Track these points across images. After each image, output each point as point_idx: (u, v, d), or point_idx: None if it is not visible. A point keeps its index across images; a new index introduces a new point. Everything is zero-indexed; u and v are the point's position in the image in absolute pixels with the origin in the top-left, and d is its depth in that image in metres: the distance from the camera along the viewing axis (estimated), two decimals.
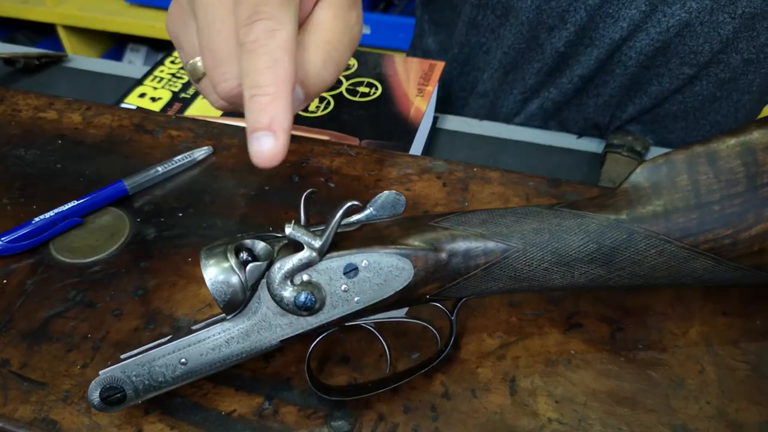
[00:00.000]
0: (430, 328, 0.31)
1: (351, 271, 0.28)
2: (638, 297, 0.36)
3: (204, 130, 0.48)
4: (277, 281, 0.28)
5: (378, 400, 0.32)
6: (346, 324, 0.30)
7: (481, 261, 0.29)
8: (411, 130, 0.51)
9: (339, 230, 0.29)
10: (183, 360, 0.29)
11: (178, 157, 0.44)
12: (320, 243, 0.27)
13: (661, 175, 0.29)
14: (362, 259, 0.28)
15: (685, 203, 0.29)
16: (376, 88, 0.55)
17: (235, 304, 0.28)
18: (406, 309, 0.30)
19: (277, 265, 0.27)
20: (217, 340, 0.29)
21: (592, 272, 0.29)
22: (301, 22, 0.31)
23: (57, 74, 0.62)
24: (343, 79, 0.56)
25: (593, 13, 0.53)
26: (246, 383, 0.32)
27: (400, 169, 0.44)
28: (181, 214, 0.41)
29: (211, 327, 0.29)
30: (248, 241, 0.29)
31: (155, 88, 0.57)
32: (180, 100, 0.55)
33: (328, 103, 0.54)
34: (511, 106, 0.62)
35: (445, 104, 0.67)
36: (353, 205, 0.27)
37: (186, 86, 0.57)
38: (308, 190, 0.30)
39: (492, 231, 0.29)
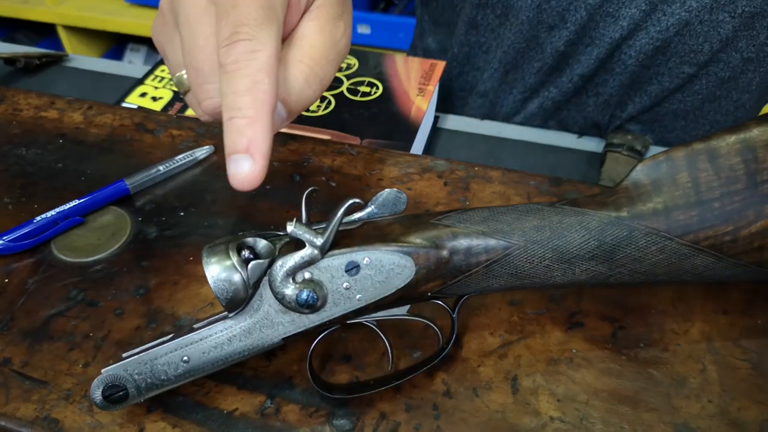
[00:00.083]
0: (432, 325, 0.31)
1: (353, 268, 0.28)
2: (639, 296, 0.36)
3: (205, 130, 0.48)
4: (279, 279, 0.28)
5: (380, 399, 0.32)
6: (348, 322, 0.30)
7: (483, 258, 0.29)
8: (412, 129, 0.51)
9: (340, 228, 0.29)
10: (185, 358, 0.29)
11: (180, 156, 0.44)
12: (322, 241, 0.27)
13: (661, 173, 0.29)
14: (364, 256, 0.28)
15: (686, 200, 0.29)
16: (377, 88, 0.55)
17: (237, 302, 0.28)
18: (407, 306, 0.31)
19: (279, 262, 0.27)
20: (219, 338, 0.29)
21: (593, 269, 0.29)
22: (286, 36, 0.31)
23: (57, 74, 0.62)
24: (344, 79, 0.56)
25: (593, 12, 0.53)
26: (248, 382, 0.32)
27: (401, 169, 0.44)
28: (182, 214, 0.41)
29: (213, 325, 0.29)
30: (250, 239, 0.29)
31: (156, 88, 0.57)
32: (181, 100, 0.55)
33: (329, 102, 0.54)
34: (511, 105, 0.62)
35: (445, 104, 0.67)
36: (354, 202, 0.27)
37: None
38: (309, 189, 0.30)
39: (493, 228, 0.29)
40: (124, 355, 0.29)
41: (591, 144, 0.56)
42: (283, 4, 0.29)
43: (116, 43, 1.84)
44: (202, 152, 0.45)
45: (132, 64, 0.64)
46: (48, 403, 0.31)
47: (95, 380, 0.28)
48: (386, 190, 0.30)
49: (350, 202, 0.27)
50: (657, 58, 0.54)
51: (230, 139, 0.26)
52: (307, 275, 0.28)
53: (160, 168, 0.43)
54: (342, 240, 0.28)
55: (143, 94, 0.56)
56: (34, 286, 0.37)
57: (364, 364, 0.33)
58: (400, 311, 0.30)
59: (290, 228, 0.27)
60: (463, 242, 0.29)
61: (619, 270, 0.29)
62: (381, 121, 0.52)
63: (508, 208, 0.30)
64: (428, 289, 0.29)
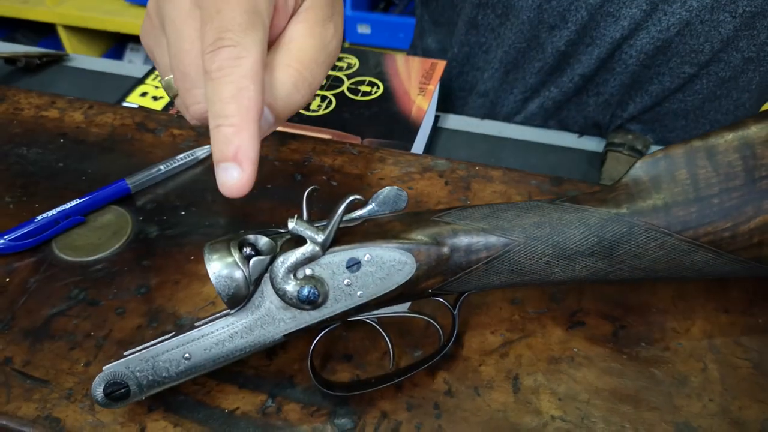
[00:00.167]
0: (433, 323, 0.31)
1: (354, 265, 0.28)
2: (640, 294, 0.36)
3: (206, 129, 0.47)
4: (280, 275, 0.28)
5: (381, 398, 0.32)
6: (349, 319, 0.30)
7: (483, 255, 0.29)
8: (412, 128, 0.51)
9: (341, 226, 0.29)
10: (186, 355, 0.29)
11: (180, 155, 0.44)
12: (323, 237, 0.27)
13: (660, 170, 0.30)
14: (365, 253, 0.28)
15: (685, 197, 0.29)
16: (378, 87, 0.55)
17: (238, 299, 0.28)
18: (408, 304, 0.31)
19: (280, 259, 0.28)
20: (220, 334, 0.29)
21: (593, 265, 0.29)
22: (274, 39, 0.30)
23: (58, 73, 0.62)
24: (345, 78, 0.56)
25: (594, 12, 0.53)
26: (249, 381, 0.32)
27: (402, 168, 0.44)
28: (183, 213, 0.41)
29: (214, 322, 0.29)
30: (251, 236, 0.29)
31: (157, 87, 0.57)
32: None
33: (330, 102, 0.54)
34: (512, 105, 0.62)
35: (445, 104, 0.67)
36: (355, 199, 0.27)
37: None
38: (310, 187, 0.30)
39: (493, 225, 0.29)
40: (125, 353, 0.29)
41: (592, 143, 0.56)
42: (268, 7, 0.28)
43: (116, 43, 1.84)
44: (202, 151, 0.45)
45: (132, 64, 0.64)
46: (49, 403, 0.31)
47: (97, 377, 0.28)
48: (387, 187, 0.30)
49: (351, 198, 0.27)
50: (658, 58, 0.54)
51: (218, 148, 0.26)
52: (308, 272, 0.28)
53: (161, 167, 0.43)
54: (343, 237, 0.28)
55: (144, 94, 0.56)
56: (35, 286, 0.37)
57: (365, 363, 0.33)
58: (401, 308, 0.30)
59: (291, 225, 0.27)
60: (463, 239, 0.29)
61: (619, 266, 0.30)
62: (382, 121, 0.52)
63: (508, 205, 0.30)
64: (429, 285, 0.29)
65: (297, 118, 0.52)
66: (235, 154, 0.26)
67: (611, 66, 0.56)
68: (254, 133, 0.26)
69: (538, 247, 0.29)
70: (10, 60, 0.60)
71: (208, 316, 0.30)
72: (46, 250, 0.39)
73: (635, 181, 0.30)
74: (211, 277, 0.27)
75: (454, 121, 0.58)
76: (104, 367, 0.28)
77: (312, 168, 0.44)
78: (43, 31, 1.79)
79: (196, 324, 0.29)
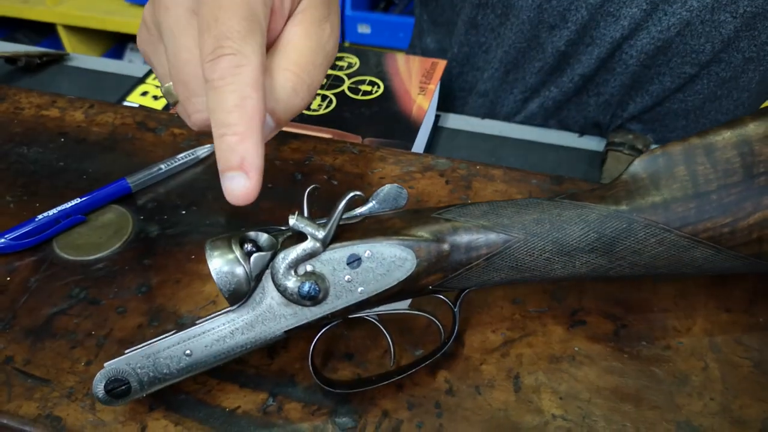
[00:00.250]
0: (433, 319, 0.31)
1: (354, 261, 0.28)
2: (641, 293, 0.36)
3: (207, 132, 0.48)
4: (281, 271, 0.28)
5: (382, 397, 0.32)
6: (350, 316, 0.30)
7: (483, 251, 0.29)
8: (413, 128, 0.51)
9: (342, 223, 0.29)
10: (187, 351, 0.29)
11: (181, 155, 0.44)
12: (323, 234, 0.27)
13: (658, 166, 0.30)
14: (365, 249, 0.28)
15: (683, 193, 0.29)
16: (378, 87, 0.55)
17: (239, 295, 0.28)
18: (409, 301, 0.31)
19: (281, 255, 0.28)
20: (221, 331, 0.29)
21: (593, 262, 0.29)
22: (271, 43, 0.30)
23: (58, 73, 0.62)
24: (346, 78, 0.56)
25: (594, 11, 0.53)
26: (250, 380, 0.32)
27: (402, 167, 0.44)
28: (184, 212, 0.41)
29: (215, 318, 0.29)
30: (252, 233, 0.29)
31: (157, 86, 0.57)
32: None
33: (331, 101, 0.54)
34: (512, 105, 0.62)
35: (445, 104, 0.67)
36: (356, 195, 0.28)
37: None
38: (311, 186, 0.30)
39: (493, 222, 0.29)
40: (126, 351, 0.29)
41: (592, 143, 0.56)
42: (265, 12, 0.28)
43: (116, 43, 1.84)
44: (203, 151, 0.45)
45: (132, 64, 0.64)
46: (50, 401, 0.31)
47: (98, 374, 0.28)
48: (387, 185, 0.30)
49: (351, 194, 0.28)
50: (658, 58, 0.54)
51: (223, 157, 0.26)
52: (309, 268, 0.28)
53: (162, 166, 0.43)
54: (343, 233, 0.29)
55: (144, 93, 0.56)
56: (36, 285, 0.37)
57: (366, 361, 0.33)
58: (402, 305, 0.30)
59: (292, 221, 0.27)
60: (463, 235, 0.29)
61: (619, 263, 0.30)
62: (382, 120, 0.52)
63: (508, 202, 0.30)
64: (429, 282, 0.29)
65: (298, 118, 0.52)
66: (241, 162, 0.26)
67: (611, 66, 0.56)
68: (259, 141, 0.26)
69: (538, 244, 0.29)
70: (11, 59, 0.60)
71: (209, 315, 0.30)
72: (46, 249, 0.39)
73: (634, 178, 0.30)
74: (213, 273, 0.27)
75: (455, 121, 0.58)
76: (105, 364, 0.28)
77: (313, 167, 0.44)
78: (43, 31, 1.79)
79: (197, 321, 0.29)
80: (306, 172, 0.44)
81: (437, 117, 0.58)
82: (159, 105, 0.55)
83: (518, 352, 0.33)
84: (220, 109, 0.26)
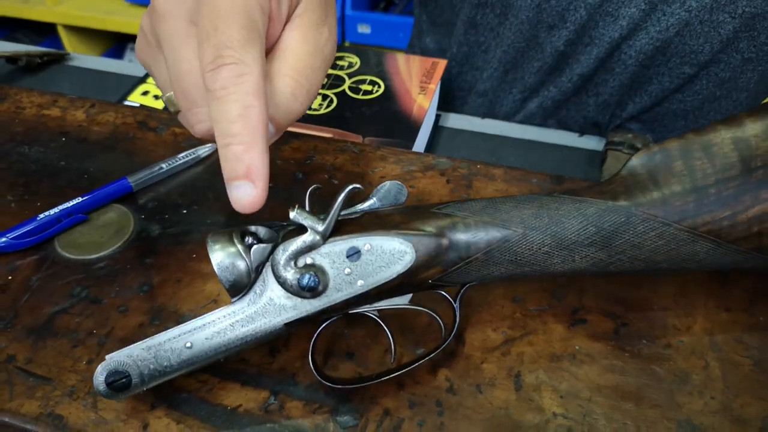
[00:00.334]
0: (433, 314, 0.31)
1: (354, 254, 0.28)
2: (642, 292, 0.36)
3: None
4: (281, 263, 0.28)
5: (383, 395, 0.32)
6: (351, 311, 0.30)
7: (482, 245, 0.29)
8: (414, 127, 0.51)
9: (342, 218, 0.30)
10: (188, 344, 0.29)
11: (182, 154, 0.44)
12: (323, 226, 0.28)
13: (656, 162, 0.30)
14: (365, 242, 0.28)
15: (682, 187, 0.29)
16: (379, 86, 0.55)
17: (240, 287, 0.28)
18: (409, 296, 0.31)
19: (281, 247, 0.28)
20: (222, 323, 0.29)
21: (593, 256, 0.30)
22: (269, 48, 0.30)
23: (59, 72, 0.62)
24: (346, 77, 0.56)
25: (593, 11, 0.53)
26: (252, 378, 0.32)
27: (403, 166, 0.44)
28: (185, 211, 0.42)
29: (216, 310, 0.29)
30: (253, 227, 0.29)
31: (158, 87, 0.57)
32: None
33: (331, 101, 0.54)
34: (511, 105, 0.63)
35: (444, 104, 0.67)
36: (355, 188, 0.28)
37: None
38: (313, 186, 0.30)
39: (492, 216, 0.30)
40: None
41: (592, 142, 0.56)
42: (263, 19, 0.28)
43: (116, 43, 1.84)
44: (204, 150, 0.45)
45: (133, 63, 0.64)
46: (52, 400, 0.31)
47: (99, 366, 0.28)
48: (387, 182, 0.30)
49: (350, 187, 0.28)
50: (657, 58, 0.54)
51: (228, 166, 0.26)
52: (309, 260, 0.28)
53: (163, 166, 0.43)
54: (343, 227, 0.29)
55: (145, 93, 0.56)
56: (37, 284, 0.37)
57: (367, 360, 0.33)
58: (402, 301, 0.31)
59: (292, 214, 0.28)
60: (462, 229, 0.29)
61: (619, 257, 0.30)
62: (383, 120, 0.52)
63: (507, 197, 0.31)
64: (429, 276, 0.29)
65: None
66: (247, 171, 0.26)
67: (610, 66, 0.56)
68: (264, 149, 0.26)
69: (537, 237, 0.29)
70: (12, 59, 0.60)
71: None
72: (48, 249, 0.39)
73: (632, 174, 0.30)
74: (214, 265, 0.27)
75: (455, 120, 0.58)
76: (107, 356, 0.29)
77: (313, 166, 0.44)
78: (43, 31, 1.79)
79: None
80: (307, 171, 0.44)
81: (437, 116, 0.58)
82: (160, 104, 0.55)
83: (519, 351, 0.33)
84: (224, 119, 0.26)
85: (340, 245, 0.28)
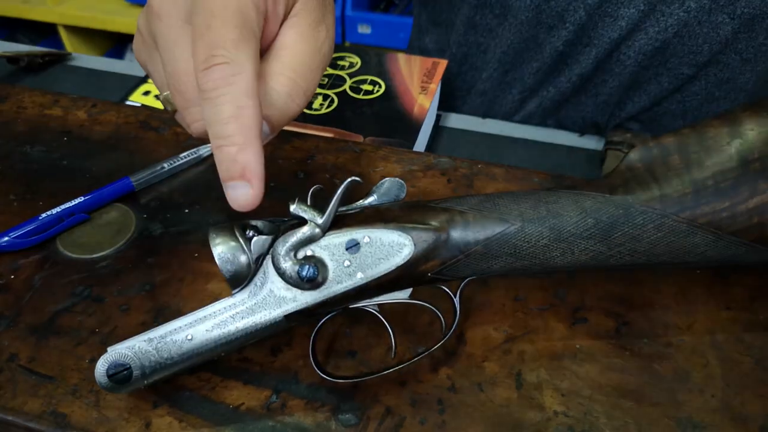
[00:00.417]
0: (434, 309, 0.31)
1: (353, 246, 0.29)
2: (643, 291, 0.36)
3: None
4: (281, 254, 0.28)
5: (385, 393, 0.32)
6: (351, 306, 0.30)
7: (481, 237, 0.29)
8: (415, 127, 0.51)
9: (342, 213, 0.30)
10: (189, 336, 0.29)
11: (184, 153, 0.44)
12: (323, 219, 0.28)
13: (653, 156, 0.30)
14: (364, 235, 0.29)
15: (679, 180, 0.30)
16: (380, 86, 0.55)
17: (241, 278, 0.29)
18: (410, 291, 0.31)
19: (281, 238, 0.28)
20: (223, 315, 0.29)
21: (592, 249, 0.30)
22: (266, 47, 0.30)
23: (60, 72, 0.62)
24: (347, 77, 0.57)
25: (592, 12, 0.53)
26: (254, 377, 0.33)
27: (404, 166, 0.44)
28: (187, 211, 0.42)
29: (217, 302, 0.29)
30: (254, 221, 0.30)
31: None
32: None
33: (332, 100, 0.54)
34: (510, 105, 0.63)
35: (444, 103, 0.67)
36: (354, 180, 0.28)
37: None
38: (315, 186, 0.30)
39: (490, 209, 0.30)
40: None
41: (591, 142, 0.56)
42: (258, 19, 0.28)
43: (117, 43, 1.84)
44: (206, 149, 0.45)
45: (134, 63, 0.65)
46: (55, 398, 0.31)
47: (100, 358, 0.29)
48: (388, 179, 0.31)
49: (350, 179, 0.28)
50: (656, 59, 0.54)
51: (224, 167, 0.26)
52: (308, 252, 0.29)
53: (165, 165, 0.43)
54: (343, 221, 0.29)
55: (146, 93, 0.56)
56: (40, 283, 0.37)
57: (369, 359, 0.33)
58: (403, 295, 0.31)
59: (292, 207, 0.28)
60: (460, 222, 0.30)
61: (618, 249, 0.30)
62: (384, 119, 0.52)
63: (505, 193, 0.31)
64: (428, 268, 0.30)
65: (300, 117, 0.52)
66: (242, 172, 0.26)
67: (609, 66, 0.56)
68: (258, 149, 0.26)
69: (535, 230, 0.29)
70: (13, 59, 0.60)
71: None
72: (50, 248, 0.39)
73: (629, 168, 0.31)
74: (215, 256, 0.28)
75: (456, 120, 0.58)
76: (108, 348, 0.29)
77: (314, 166, 0.44)
78: (44, 31, 1.79)
79: None
80: (308, 170, 0.44)
81: (438, 116, 0.58)
82: (161, 104, 0.55)
83: (520, 350, 0.34)
84: (217, 120, 0.26)
85: (340, 238, 0.29)
